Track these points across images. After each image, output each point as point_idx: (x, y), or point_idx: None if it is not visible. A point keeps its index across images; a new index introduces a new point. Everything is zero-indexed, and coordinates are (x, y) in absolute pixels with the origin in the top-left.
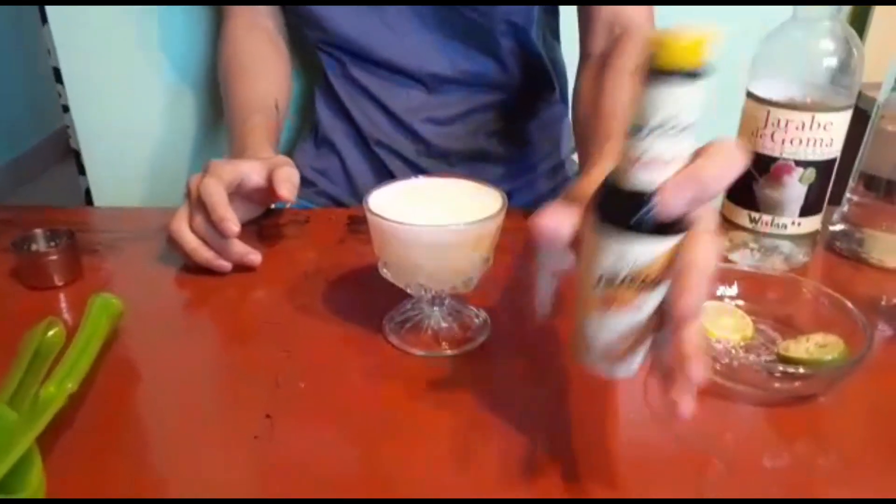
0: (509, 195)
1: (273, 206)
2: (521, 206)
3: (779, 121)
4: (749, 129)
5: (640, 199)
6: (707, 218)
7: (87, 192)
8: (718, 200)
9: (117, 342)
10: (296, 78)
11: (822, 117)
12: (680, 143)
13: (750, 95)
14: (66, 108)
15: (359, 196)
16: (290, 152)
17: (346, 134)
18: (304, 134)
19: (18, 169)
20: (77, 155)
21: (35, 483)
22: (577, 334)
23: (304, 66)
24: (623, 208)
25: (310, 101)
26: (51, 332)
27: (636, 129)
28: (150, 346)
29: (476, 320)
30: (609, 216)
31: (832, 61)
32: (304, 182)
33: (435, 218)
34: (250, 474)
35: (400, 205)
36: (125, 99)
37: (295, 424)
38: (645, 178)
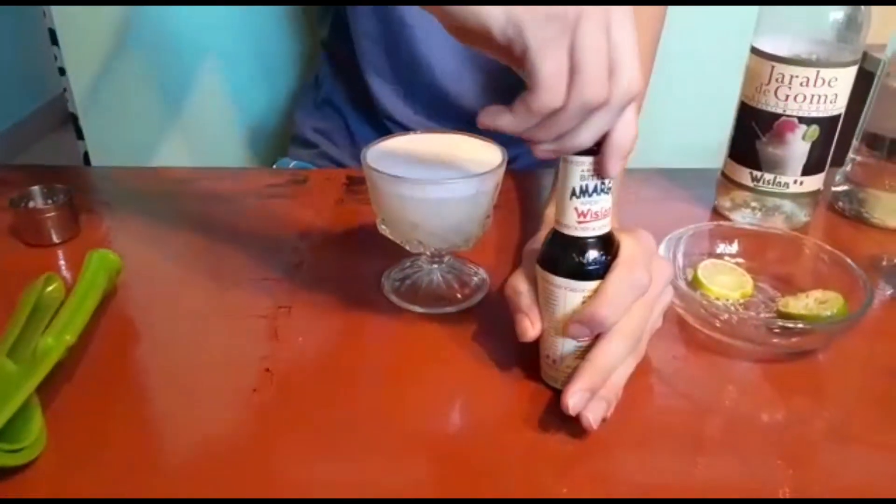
0: (512, 160)
1: (274, 165)
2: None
3: (783, 76)
4: (753, 84)
5: (593, 248)
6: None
7: (86, 157)
8: (721, 159)
9: (116, 298)
10: (295, 29)
11: (826, 73)
12: (610, 200)
13: (754, 51)
14: (62, 71)
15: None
16: (290, 110)
17: (351, 97)
18: (306, 90)
19: (16, 136)
20: (75, 119)
21: (35, 432)
22: (547, 363)
23: (306, 18)
24: (575, 259)
25: (311, 52)
26: (50, 288)
27: (582, 191)
28: (149, 301)
29: (475, 278)
30: (562, 267)
31: (839, 15)
32: (306, 144)
33: (434, 172)
34: (249, 427)
35: (398, 159)
36: (122, 60)
37: (294, 378)
38: (593, 229)
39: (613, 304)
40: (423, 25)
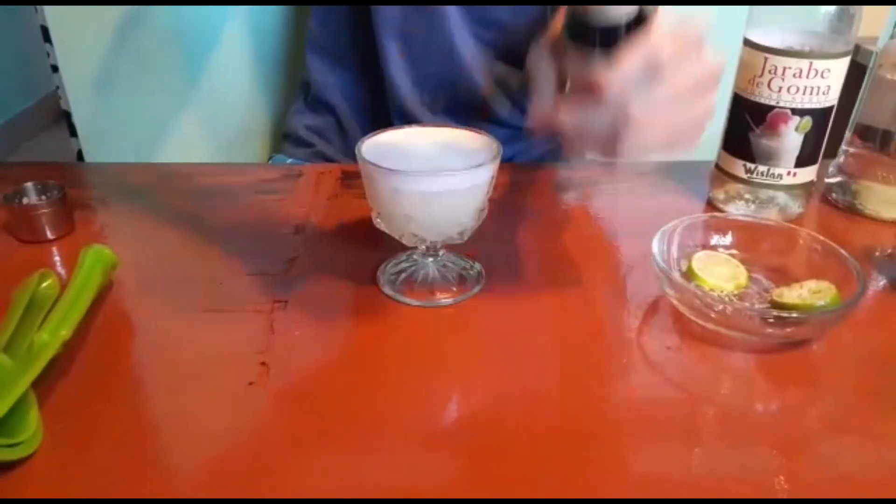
0: (510, 159)
1: (269, 161)
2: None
3: (776, 68)
4: (746, 76)
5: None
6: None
7: (80, 154)
8: (714, 152)
9: (111, 293)
10: (288, 27)
11: (819, 64)
12: None
13: (747, 42)
14: (55, 68)
15: (355, 158)
16: (284, 109)
17: (346, 93)
18: (297, 89)
19: (10, 133)
20: (68, 116)
21: (32, 427)
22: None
23: (298, 15)
24: (590, 32)
25: (303, 50)
26: (44, 284)
27: None
28: (145, 296)
29: (470, 272)
30: (581, 38)
31: (831, 7)
32: (299, 142)
33: (428, 165)
34: (246, 421)
35: (393, 152)
36: (115, 57)
37: (290, 372)
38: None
39: (622, 67)
40: (450, 10)
